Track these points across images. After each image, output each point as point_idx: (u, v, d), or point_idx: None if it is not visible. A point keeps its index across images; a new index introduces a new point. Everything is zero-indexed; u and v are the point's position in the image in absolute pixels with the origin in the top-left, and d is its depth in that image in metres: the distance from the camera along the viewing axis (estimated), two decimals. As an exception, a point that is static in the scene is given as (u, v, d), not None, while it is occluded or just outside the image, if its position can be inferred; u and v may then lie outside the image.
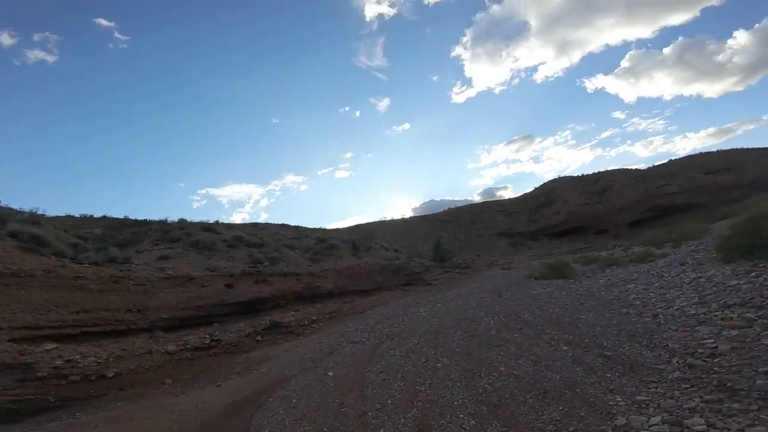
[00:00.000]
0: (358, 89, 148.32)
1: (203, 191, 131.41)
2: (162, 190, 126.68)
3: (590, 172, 60.56)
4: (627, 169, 57.55)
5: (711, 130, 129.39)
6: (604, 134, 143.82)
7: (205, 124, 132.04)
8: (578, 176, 61.31)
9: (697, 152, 57.26)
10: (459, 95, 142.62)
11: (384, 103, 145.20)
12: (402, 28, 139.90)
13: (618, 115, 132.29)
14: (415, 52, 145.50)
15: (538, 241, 47.22)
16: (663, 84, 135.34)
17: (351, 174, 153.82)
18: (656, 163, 60.60)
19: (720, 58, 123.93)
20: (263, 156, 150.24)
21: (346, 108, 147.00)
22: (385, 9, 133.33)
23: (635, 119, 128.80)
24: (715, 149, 52.15)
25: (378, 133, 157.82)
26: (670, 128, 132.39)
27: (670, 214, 45.81)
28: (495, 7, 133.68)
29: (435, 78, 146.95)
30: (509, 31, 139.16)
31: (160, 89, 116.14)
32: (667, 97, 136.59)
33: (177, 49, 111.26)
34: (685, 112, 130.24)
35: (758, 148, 54.87)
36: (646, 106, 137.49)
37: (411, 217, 61.60)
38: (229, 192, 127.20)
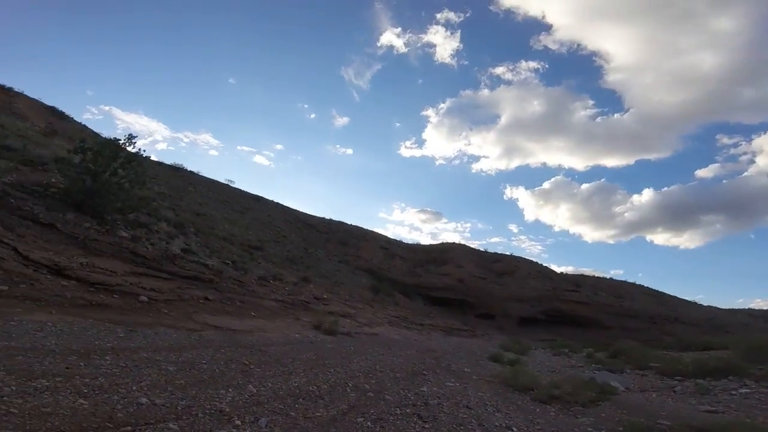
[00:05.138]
0: (328, 97, 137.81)
1: (106, 108, 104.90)
2: (65, 89, 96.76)
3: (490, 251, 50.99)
4: (533, 261, 49.06)
5: (570, 268, 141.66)
6: (493, 239, 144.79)
7: (149, 45, 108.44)
8: (477, 249, 51.11)
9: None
10: (407, 150, 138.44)
11: (342, 121, 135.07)
12: (402, 67, 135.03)
13: (512, 228, 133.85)
14: (397, 93, 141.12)
15: (410, 299, 33.09)
16: (561, 216, 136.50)
17: (271, 165, 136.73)
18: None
19: (617, 209, 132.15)
20: (192, 104, 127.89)
21: (306, 106, 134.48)
22: (399, 43, 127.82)
23: (522, 237, 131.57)
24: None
25: (322, 144, 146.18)
26: (542, 255, 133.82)
27: (567, 324, 36.55)
28: (485, 92, 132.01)
29: (398, 125, 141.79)
30: (481, 118, 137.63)
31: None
32: (556, 229, 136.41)
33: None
34: (561, 246, 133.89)
35: (639, 285, 51.81)
36: (537, 229, 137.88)
37: (268, 200, 43.41)
38: (133, 120, 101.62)
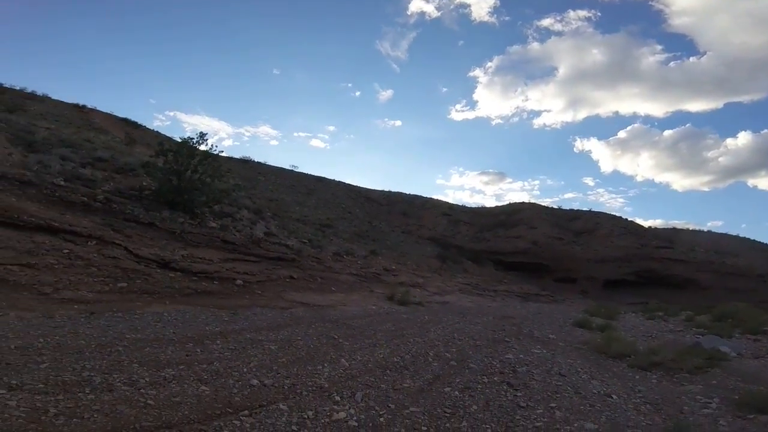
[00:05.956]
0: (368, 72, 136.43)
1: (171, 113, 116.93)
2: (131, 101, 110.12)
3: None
4: (615, 216, 44.86)
5: (658, 221, 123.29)
6: (567, 195, 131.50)
7: (198, 49, 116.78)
8: (550, 207, 47.84)
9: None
10: (458, 113, 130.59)
11: (386, 94, 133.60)
12: (438, 31, 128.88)
13: (588, 181, 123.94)
14: (438, 58, 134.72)
15: (480, 266, 32.52)
16: (644, 165, 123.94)
17: (327, 147, 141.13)
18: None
19: (709, 154, 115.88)
20: (246, 99, 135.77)
21: (349, 84, 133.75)
22: (430, 9, 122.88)
23: (600, 190, 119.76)
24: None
25: (370, 119, 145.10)
26: (625, 209, 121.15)
27: (659, 285, 33.31)
28: (534, 46, 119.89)
29: (444, 90, 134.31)
30: (535, 72, 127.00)
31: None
32: (639, 179, 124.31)
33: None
34: (646, 197, 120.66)
35: (744, 238, 45.07)
36: (617, 181, 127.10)
37: (330, 180, 44.83)
38: (197, 122, 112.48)
